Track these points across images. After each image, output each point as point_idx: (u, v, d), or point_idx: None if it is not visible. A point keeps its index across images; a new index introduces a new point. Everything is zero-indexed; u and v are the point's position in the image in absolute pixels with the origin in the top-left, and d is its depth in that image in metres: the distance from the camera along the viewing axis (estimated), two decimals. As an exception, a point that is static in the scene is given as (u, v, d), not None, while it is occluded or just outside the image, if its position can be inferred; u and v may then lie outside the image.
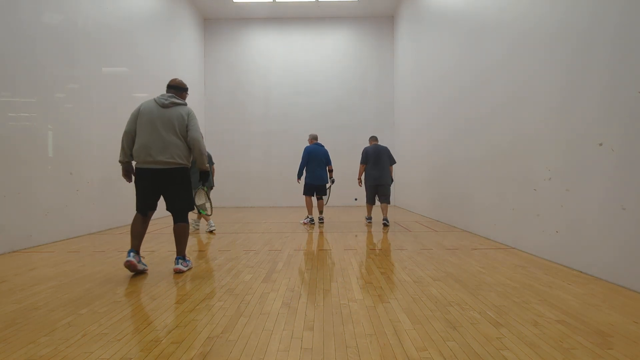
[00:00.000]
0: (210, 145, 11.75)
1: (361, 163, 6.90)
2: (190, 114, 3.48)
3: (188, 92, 3.74)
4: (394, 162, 6.93)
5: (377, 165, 6.73)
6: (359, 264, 3.76)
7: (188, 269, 3.53)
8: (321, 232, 5.99)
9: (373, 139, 7.16)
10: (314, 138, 7.18)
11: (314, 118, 11.58)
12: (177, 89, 3.64)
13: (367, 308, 2.48)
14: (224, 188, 11.75)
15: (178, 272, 3.41)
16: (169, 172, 3.38)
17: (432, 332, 2.09)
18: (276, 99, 11.81)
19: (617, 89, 2.94)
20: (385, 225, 6.51)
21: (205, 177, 3.65)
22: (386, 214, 6.66)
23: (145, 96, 8.00)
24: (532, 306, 2.48)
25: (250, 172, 11.74)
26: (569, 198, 3.49)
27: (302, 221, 7.12)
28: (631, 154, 2.81)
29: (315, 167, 6.95)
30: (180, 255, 3.51)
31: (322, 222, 7.04)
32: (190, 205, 3.57)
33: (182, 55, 10.10)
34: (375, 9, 11.26)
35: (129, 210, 6.79)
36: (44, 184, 5.01)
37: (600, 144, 3.09)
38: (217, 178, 11.80)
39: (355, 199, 8.02)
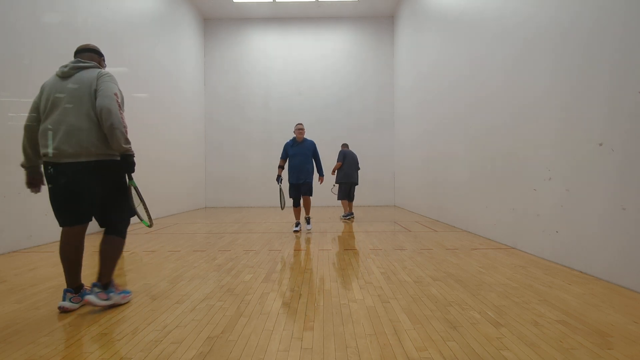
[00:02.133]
0: (210, 145, 11.82)
1: (339, 161, 7.74)
2: (102, 77, 2.48)
3: (104, 60, 2.80)
4: (359, 168, 8.01)
5: (351, 166, 7.74)
6: (359, 264, 3.76)
7: (111, 303, 2.48)
8: (321, 232, 5.99)
9: (345, 145, 8.12)
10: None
11: (313, 118, 11.58)
12: (88, 51, 2.67)
13: (367, 308, 2.48)
14: (224, 188, 11.78)
15: (89, 304, 2.41)
16: (79, 168, 2.41)
17: (432, 332, 2.09)
18: (276, 98, 11.81)
19: (618, 89, 2.94)
20: (352, 217, 7.77)
21: (128, 165, 2.53)
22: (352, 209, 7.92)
23: (144, 96, 8.02)
24: (532, 306, 2.48)
25: (250, 171, 11.74)
26: (569, 198, 3.49)
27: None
28: (631, 154, 2.81)
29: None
30: (103, 282, 2.47)
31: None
32: (127, 211, 2.64)
33: (182, 55, 10.11)
34: (375, 9, 11.27)
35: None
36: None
37: (600, 144, 3.09)
38: (217, 178, 11.88)
39: (334, 185, 8.18)
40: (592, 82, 3.20)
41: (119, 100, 2.47)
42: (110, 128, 2.39)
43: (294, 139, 6.03)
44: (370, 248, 4.63)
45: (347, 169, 7.69)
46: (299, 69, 11.79)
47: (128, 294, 2.65)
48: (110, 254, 2.53)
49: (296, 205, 6.06)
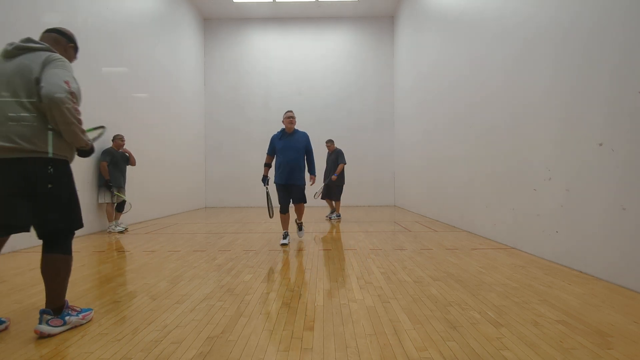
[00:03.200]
0: (210, 145, 11.82)
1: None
2: (52, 62, 2.08)
3: (75, 46, 2.44)
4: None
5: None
6: (359, 264, 3.76)
7: (69, 327, 2.15)
8: (321, 232, 5.99)
9: (332, 142, 7.97)
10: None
11: (313, 118, 11.58)
12: (53, 32, 2.31)
13: (367, 308, 2.48)
14: (224, 188, 11.78)
15: (41, 335, 2.04)
16: (12, 167, 2.03)
17: (432, 332, 2.09)
18: (276, 98, 11.81)
19: (618, 89, 2.94)
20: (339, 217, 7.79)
21: (87, 155, 2.34)
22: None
23: (144, 96, 8.02)
24: (532, 306, 2.48)
25: (250, 171, 11.73)
26: (569, 198, 3.49)
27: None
28: (631, 154, 2.81)
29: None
30: (54, 306, 2.12)
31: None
32: (70, 224, 2.21)
33: (181, 55, 10.10)
34: (375, 9, 11.27)
35: (130, 210, 6.81)
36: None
37: (600, 144, 3.09)
38: (217, 178, 11.87)
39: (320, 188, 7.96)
40: (592, 82, 3.20)
41: (74, 91, 2.09)
42: (64, 124, 2.05)
43: (282, 130, 4.94)
44: (370, 248, 4.63)
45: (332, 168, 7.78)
46: (299, 69, 11.78)
47: (89, 312, 2.30)
48: (55, 276, 2.13)
49: (284, 211, 4.97)
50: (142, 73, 7.88)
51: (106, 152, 6.10)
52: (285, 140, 4.89)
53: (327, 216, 7.98)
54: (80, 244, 5.06)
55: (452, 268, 3.54)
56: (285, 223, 5.02)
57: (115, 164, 6.16)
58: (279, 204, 4.97)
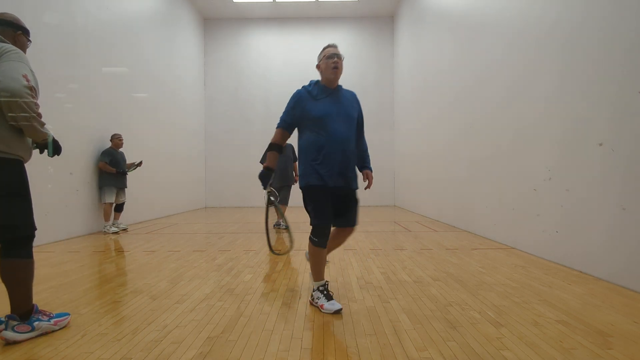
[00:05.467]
0: (210, 145, 11.82)
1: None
2: (3, 54, 1.96)
3: (25, 31, 2.29)
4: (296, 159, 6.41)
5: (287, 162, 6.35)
6: (359, 264, 3.76)
7: (39, 333, 2.04)
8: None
9: None
10: None
11: (314, 118, 11.58)
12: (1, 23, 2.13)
13: (367, 308, 2.48)
14: (224, 188, 11.78)
15: (6, 342, 1.95)
16: None
17: (432, 332, 2.09)
18: (276, 98, 11.80)
19: (617, 89, 2.94)
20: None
21: (56, 151, 2.25)
22: None
23: (144, 97, 8.02)
24: (532, 306, 2.48)
25: (250, 171, 11.71)
26: (569, 198, 3.49)
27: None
28: (631, 154, 2.81)
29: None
30: (20, 312, 2.03)
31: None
32: (23, 226, 2.05)
33: (182, 55, 10.10)
34: (375, 9, 11.26)
35: (130, 210, 6.81)
36: (44, 184, 5.01)
37: (600, 144, 3.09)
38: (217, 178, 11.87)
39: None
40: (593, 81, 3.20)
41: (32, 84, 1.98)
42: (24, 120, 1.97)
43: (316, 84, 2.73)
44: (370, 248, 4.63)
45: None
46: (299, 69, 11.76)
47: (64, 318, 2.18)
48: (16, 281, 2.02)
49: (323, 243, 2.49)
50: (141, 73, 7.88)
51: (105, 153, 6.07)
52: (328, 102, 2.59)
53: (277, 225, 6.12)
54: (80, 244, 5.07)
55: (452, 268, 3.54)
56: (321, 267, 2.54)
57: (115, 165, 6.14)
58: (316, 224, 2.50)
